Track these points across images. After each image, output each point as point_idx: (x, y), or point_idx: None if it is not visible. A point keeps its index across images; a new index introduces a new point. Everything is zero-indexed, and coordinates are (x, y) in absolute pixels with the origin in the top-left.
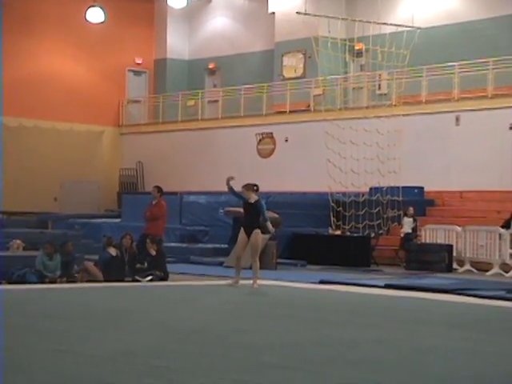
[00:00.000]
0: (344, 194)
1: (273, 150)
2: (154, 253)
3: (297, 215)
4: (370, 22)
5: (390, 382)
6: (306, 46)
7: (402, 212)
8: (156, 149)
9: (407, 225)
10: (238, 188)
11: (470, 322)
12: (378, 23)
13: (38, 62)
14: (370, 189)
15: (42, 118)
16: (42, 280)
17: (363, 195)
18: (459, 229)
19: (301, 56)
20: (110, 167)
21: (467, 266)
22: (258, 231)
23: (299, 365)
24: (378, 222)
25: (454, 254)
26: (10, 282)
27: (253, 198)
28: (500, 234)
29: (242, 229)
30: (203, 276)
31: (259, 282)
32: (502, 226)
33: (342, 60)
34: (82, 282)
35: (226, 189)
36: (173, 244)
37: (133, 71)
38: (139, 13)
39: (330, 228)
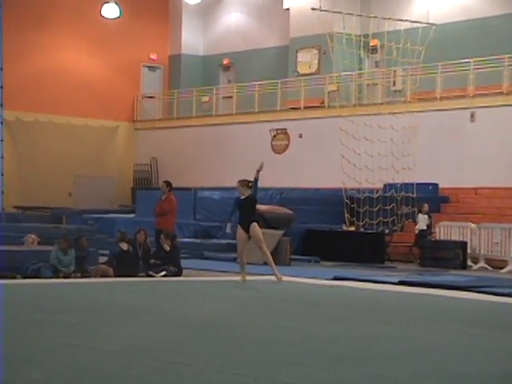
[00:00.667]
0: (358, 190)
1: (287, 146)
2: (168, 248)
3: (311, 211)
4: (385, 19)
5: (402, 378)
6: (320, 42)
7: (416, 209)
8: (170, 144)
9: (422, 221)
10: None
11: (483, 320)
12: (393, 19)
13: (52, 57)
14: (385, 185)
15: (56, 113)
16: (56, 275)
17: (377, 191)
18: (474, 226)
19: (315, 52)
20: (125, 163)
21: (481, 263)
22: (254, 224)
23: (311, 361)
24: (392, 218)
25: (469, 251)
26: (24, 277)
27: (247, 193)
28: None
29: (238, 226)
30: (217, 272)
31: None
32: None
33: (357, 56)
34: (95, 277)
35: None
36: (186, 240)
37: (147, 67)
38: (154, 8)
39: (343, 224)
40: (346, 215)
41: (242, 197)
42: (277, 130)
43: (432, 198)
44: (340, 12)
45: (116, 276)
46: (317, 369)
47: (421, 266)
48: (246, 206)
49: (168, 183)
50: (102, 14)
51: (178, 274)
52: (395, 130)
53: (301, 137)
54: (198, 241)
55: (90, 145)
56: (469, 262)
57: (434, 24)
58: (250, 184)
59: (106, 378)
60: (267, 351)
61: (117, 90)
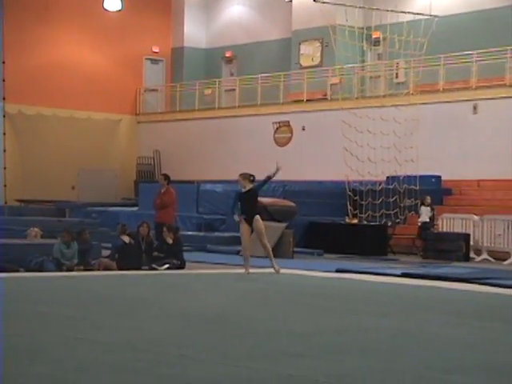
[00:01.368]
0: (361, 182)
1: (290, 139)
2: (170, 241)
3: (313, 204)
4: (387, 11)
5: (405, 370)
6: (323, 35)
7: (419, 201)
8: (173, 137)
9: (424, 214)
10: (237, 181)
11: (486, 311)
12: (396, 11)
13: (55, 50)
14: (387, 177)
15: (59, 107)
16: (59, 268)
17: (380, 184)
18: (476, 218)
19: (318, 44)
20: (127, 156)
21: (484, 255)
22: (257, 217)
23: (314, 353)
24: (395, 210)
25: (471, 243)
26: (27, 270)
27: (248, 187)
28: None
29: (242, 220)
30: (220, 265)
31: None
32: None
33: (360, 48)
34: (98, 270)
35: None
36: (189, 232)
37: (150, 60)
38: (156, 1)
39: (346, 217)
40: (349, 208)
41: (244, 190)
42: (279, 122)
43: (435, 190)
44: (342, 4)
45: (119, 269)
46: (320, 361)
47: (423, 258)
48: (248, 199)
49: (166, 176)
50: (105, 6)
51: (181, 266)
52: (398, 123)
53: (303, 129)
54: (201, 234)
55: (92, 138)
56: (471, 254)
57: (436, 16)
58: (252, 178)
59: (110, 372)
60: (270, 343)
61: (119, 83)
